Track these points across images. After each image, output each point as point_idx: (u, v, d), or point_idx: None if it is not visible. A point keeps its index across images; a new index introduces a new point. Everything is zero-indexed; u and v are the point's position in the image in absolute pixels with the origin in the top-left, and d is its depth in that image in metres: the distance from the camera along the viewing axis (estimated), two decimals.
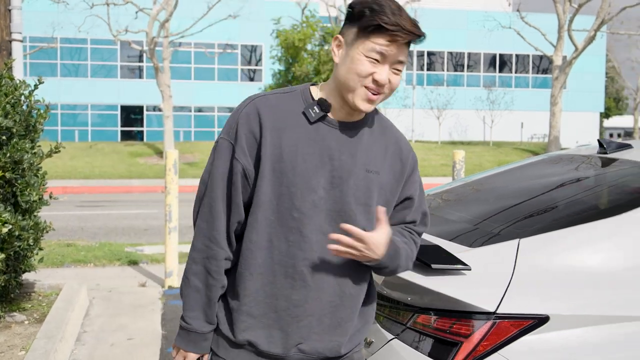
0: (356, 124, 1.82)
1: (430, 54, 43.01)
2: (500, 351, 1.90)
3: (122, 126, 39.39)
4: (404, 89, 40.18)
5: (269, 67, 28.95)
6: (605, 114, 60.31)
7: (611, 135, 74.17)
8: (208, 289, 1.80)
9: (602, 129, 60.46)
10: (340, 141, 1.78)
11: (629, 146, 2.77)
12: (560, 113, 26.52)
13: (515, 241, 2.08)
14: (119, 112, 39.22)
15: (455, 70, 43.66)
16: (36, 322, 4.68)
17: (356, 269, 1.83)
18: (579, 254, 2.04)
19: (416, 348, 2.01)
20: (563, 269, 2.01)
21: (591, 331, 1.92)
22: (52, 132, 37.01)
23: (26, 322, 4.67)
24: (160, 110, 30.34)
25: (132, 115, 39.63)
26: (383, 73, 1.71)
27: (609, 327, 1.93)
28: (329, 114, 1.80)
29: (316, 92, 1.83)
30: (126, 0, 25.07)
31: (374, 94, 1.73)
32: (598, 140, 2.79)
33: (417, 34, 1.70)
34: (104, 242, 8.97)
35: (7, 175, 3.99)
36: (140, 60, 38.75)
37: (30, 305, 5.10)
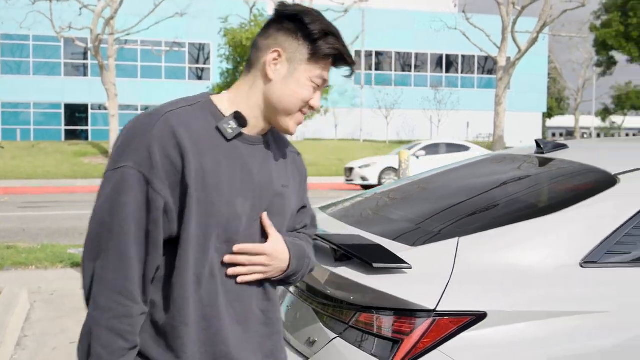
0: (263, 139, 1.68)
1: (378, 53, 43.41)
2: (440, 348, 1.93)
3: (66, 125, 38.58)
4: (352, 89, 40.43)
5: (217, 66, 28.71)
6: (548, 114, 61.86)
7: (553, 135, 76.09)
8: (118, 356, 1.47)
9: (544, 129, 62.01)
10: (256, 159, 1.63)
11: (564, 146, 2.86)
12: (505, 113, 27.06)
13: (455, 240, 2.12)
14: (62, 111, 38.43)
15: (403, 70, 44.16)
16: None
17: (267, 288, 1.69)
18: (515, 252, 2.09)
19: (359, 346, 2.03)
20: (500, 266, 2.06)
21: (527, 326, 1.97)
22: None
23: None
24: (105, 109, 29.79)
25: (76, 114, 38.88)
26: (318, 99, 1.64)
27: (544, 323, 1.99)
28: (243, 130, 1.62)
29: (222, 104, 1.63)
30: None
31: (302, 118, 1.67)
32: (535, 141, 2.87)
33: (352, 64, 1.66)
34: (47, 244, 8.76)
35: None
36: (85, 58, 38.04)
37: None
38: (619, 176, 2.32)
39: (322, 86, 1.63)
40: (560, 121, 73.74)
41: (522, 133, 43.90)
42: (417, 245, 2.18)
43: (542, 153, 2.82)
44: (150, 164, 1.47)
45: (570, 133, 73.65)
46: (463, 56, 44.57)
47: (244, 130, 1.61)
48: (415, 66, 44.39)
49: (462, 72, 45.16)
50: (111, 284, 1.47)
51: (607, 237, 2.12)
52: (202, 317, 1.56)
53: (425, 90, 42.43)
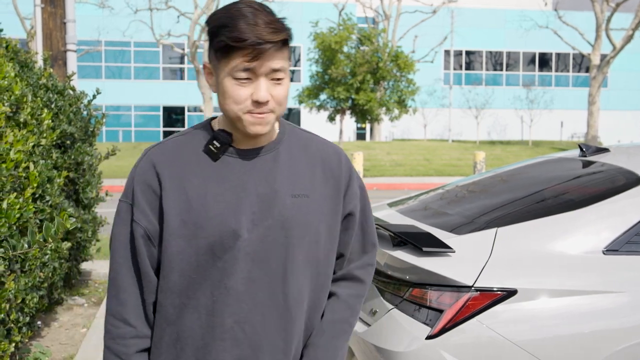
0: (268, 148, 1.62)
1: (468, 53, 43.08)
2: (477, 317, 2.35)
3: (164, 126, 40.40)
4: (441, 89, 40.36)
5: (307, 69, 29.48)
6: None
7: None
8: None
9: None
10: (253, 171, 1.59)
11: (606, 150, 3.19)
12: (598, 112, 26.49)
13: (494, 230, 2.53)
14: (161, 113, 40.24)
15: (495, 69, 43.62)
16: (94, 304, 5.26)
17: (300, 311, 1.63)
18: (545, 241, 2.48)
19: (411, 315, 2.47)
20: (532, 252, 2.46)
21: (552, 302, 2.36)
22: None
23: (85, 304, 5.27)
24: (201, 110, 31.13)
25: (173, 115, 40.62)
26: (260, 91, 1.50)
27: (567, 299, 2.37)
28: (233, 145, 1.60)
29: (216, 125, 1.65)
30: (168, 5, 25.91)
31: (260, 115, 1.52)
32: (579, 145, 3.21)
33: (274, 40, 1.48)
34: None
35: (71, 174, 4.57)
36: (182, 62, 39.69)
37: (88, 291, 5.70)
38: None
39: (259, 75, 1.50)
40: None
41: (620, 132, 42.50)
42: (463, 234, 2.60)
43: (585, 156, 3.16)
44: (132, 195, 1.58)
45: None
46: (557, 54, 43.57)
47: (236, 146, 1.60)
48: (507, 65, 43.74)
49: (556, 71, 44.14)
50: (110, 308, 1.59)
51: (628, 229, 2.48)
52: (198, 336, 1.58)
53: (517, 90, 41.75)
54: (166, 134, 40.21)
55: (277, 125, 1.68)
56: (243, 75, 1.49)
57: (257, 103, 1.51)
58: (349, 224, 1.72)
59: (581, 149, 3.19)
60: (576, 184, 2.95)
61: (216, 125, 1.64)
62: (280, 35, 1.49)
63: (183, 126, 40.42)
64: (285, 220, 1.58)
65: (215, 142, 1.59)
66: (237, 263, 1.55)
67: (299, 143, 1.69)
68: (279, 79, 1.53)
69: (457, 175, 22.46)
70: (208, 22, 1.54)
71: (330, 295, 1.73)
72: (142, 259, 1.57)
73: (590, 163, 3.08)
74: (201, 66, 25.93)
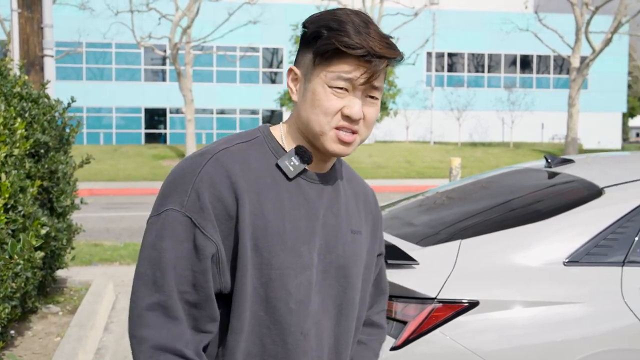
0: (330, 175, 1.47)
1: (450, 55, 43.31)
2: (439, 328, 2.40)
3: (145, 128, 40.22)
4: (423, 91, 40.53)
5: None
6: (630, 114, 60.05)
7: (637, 135, 73.63)
8: None
9: (627, 128, 60.23)
10: (322, 199, 1.43)
11: (571, 161, 3.25)
12: (578, 114, 26.72)
13: (457, 242, 2.58)
14: (142, 115, 40.05)
15: (476, 71, 43.89)
16: (69, 313, 5.26)
17: (346, 356, 1.51)
18: (507, 253, 2.53)
19: None
20: (495, 264, 2.51)
21: (514, 313, 2.41)
22: (78, 135, 37.92)
23: (60, 313, 5.26)
24: (182, 113, 31.09)
25: (155, 117, 40.45)
26: (355, 106, 1.33)
27: (528, 310, 2.42)
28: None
29: (280, 136, 1.44)
30: (149, 7, 25.81)
31: (348, 134, 1.36)
32: (545, 157, 3.27)
33: (390, 57, 1.33)
34: (129, 242, 9.56)
35: (45, 183, 4.56)
36: (164, 64, 39.55)
37: (63, 299, 5.69)
38: (605, 189, 2.72)
39: (357, 89, 1.35)
40: None
41: (600, 134, 42.94)
42: (427, 245, 2.64)
43: (550, 167, 3.22)
44: (198, 206, 1.30)
45: None
46: (538, 56, 43.93)
47: (313, 168, 1.43)
48: (489, 67, 44.04)
49: (537, 73, 44.51)
50: (156, 340, 1.27)
51: (588, 241, 2.53)
52: None
53: (498, 91, 42.03)
54: (147, 135, 40.04)
55: None
56: (340, 84, 1.34)
57: (349, 119, 1.35)
58: (377, 264, 1.62)
59: (547, 160, 3.25)
60: (539, 195, 3.01)
61: (280, 136, 1.44)
62: (394, 53, 1.34)
63: (165, 128, 40.33)
64: (347, 257, 1.44)
65: (294, 159, 1.39)
66: (310, 303, 1.38)
67: (346, 172, 1.55)
68: (374, 98, 1.39)
69: (438, 178, 22.62)
70: (308, 22, 1.38)
71: (358, 341, 1.61)
72: (209, 285, 1.31)
73: (555, 174, 3.13)
74: (182, 68, 25.89)
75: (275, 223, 1.35)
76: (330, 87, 1.34)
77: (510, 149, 31.48)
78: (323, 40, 1.33)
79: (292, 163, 1.39)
